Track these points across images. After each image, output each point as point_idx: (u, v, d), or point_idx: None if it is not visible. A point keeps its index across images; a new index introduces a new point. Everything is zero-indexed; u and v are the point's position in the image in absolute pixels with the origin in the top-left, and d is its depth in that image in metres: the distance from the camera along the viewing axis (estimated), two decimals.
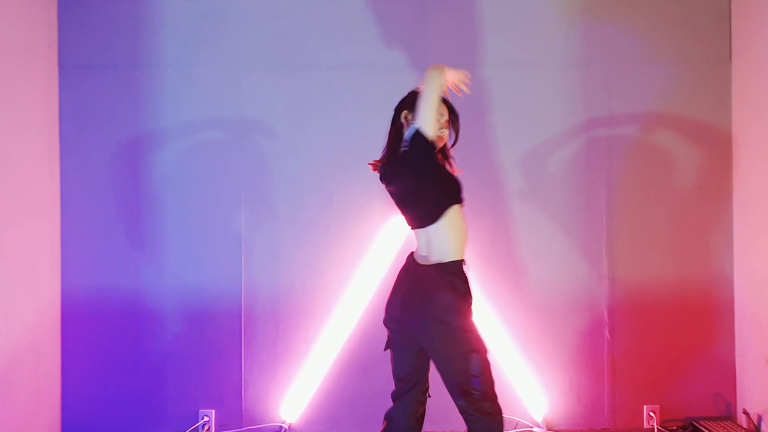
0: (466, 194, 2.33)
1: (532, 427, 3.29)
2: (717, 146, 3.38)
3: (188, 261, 3.33)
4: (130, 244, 3.32)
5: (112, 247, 3.31)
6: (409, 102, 2.32)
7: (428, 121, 2.12)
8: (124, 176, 3.32)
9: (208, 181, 3.34)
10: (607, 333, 3.35)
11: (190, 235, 3.33)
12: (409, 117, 2.30)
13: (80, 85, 3.32)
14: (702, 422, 3.22)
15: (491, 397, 2.16)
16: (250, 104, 3.35)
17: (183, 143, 3.35)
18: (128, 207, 3.33)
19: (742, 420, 3.21)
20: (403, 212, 2.35)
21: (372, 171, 2.44)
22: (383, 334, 3.27)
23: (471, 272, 2.30)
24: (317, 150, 3.36)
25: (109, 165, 3.32)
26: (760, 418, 3.09)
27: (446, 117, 2.33)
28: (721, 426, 3.16)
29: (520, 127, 3.37)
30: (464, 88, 2.35)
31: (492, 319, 3.29)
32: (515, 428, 3.29)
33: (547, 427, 3.29)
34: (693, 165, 3.37)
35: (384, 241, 3.33)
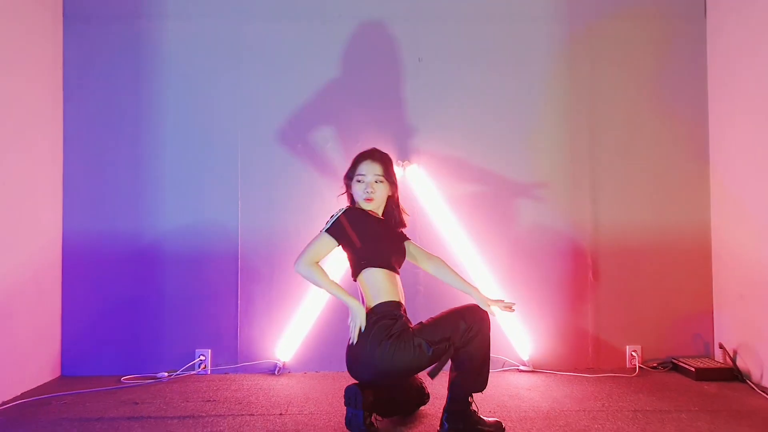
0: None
1: (518, 366, 3.40)
2: (694, 98, 3.54)
3: (186, 205, 3.44)
4: (130, 188, 3.43)
5: (112, 191, 3.42)
6: (348, 169, 2.56)
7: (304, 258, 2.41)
8: (125, 123, 3.44)
9: (206, 131, 3.46)
10: (591, 276, 3.48)
11: (188, 181, 3.44)
12: (346, 180, 2.57)
13: (84, 34, 3.44)
14: (681, 360, 3.34)
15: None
16: (249, 53, 3.48)
17: (183, 92, 3.47)
18: (128, 153, 3.44)
19: (719, 355, 3.34)
20: None
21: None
22: None
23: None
24: (312, 99, 3.49)
25: (111, 111, 3.44)
26: (735, 352, 3.22)
27: (373, 174, 2.49)
28: (699, 362, 3.29)
29: (505, 76, 3.52)
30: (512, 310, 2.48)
31: (480, 264, 3.41)
32: (502, 367, 3.41)
33: (533, 366, 3.40)
34: (672, 116, 3.53)
35: None
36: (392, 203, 2.59)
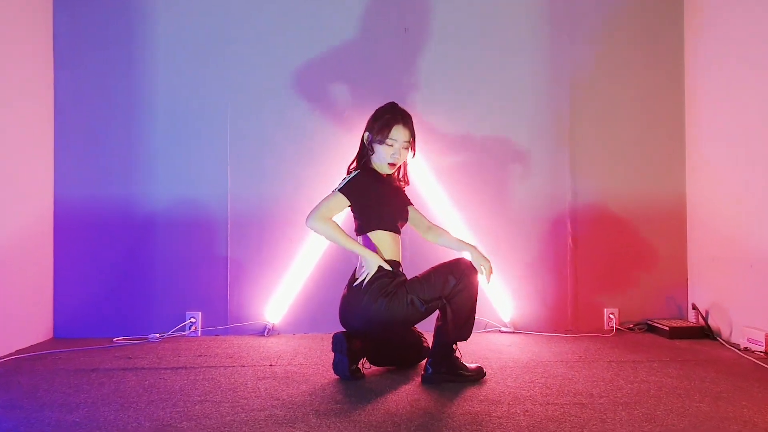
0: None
1: (500, 327, 3.52)
2: (671, 68, 3.67)
3: (178, 171, 3.51)
4: (121, 154, 3.49)
5: (103, 157, 3.48)
6: (370, 124, 2.56)
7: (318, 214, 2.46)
8: (117, 90, 3.50)
9: (197, 97, 3.53)
10: (570, 242, 3.61)
11: (179, 147, 3.51)
12: (365, 137, 2.57)
13: (74, 2, 3.49)
14: (656, 321, 3.48)
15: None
16: (236, 17, 3.55)
17: (174, 59, 3.53)
18: (120, 119, 3.50)
19: (692, 316, 3.48)
20: None
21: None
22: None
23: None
24: (301, 64, 3.57)
25: (102, 79, 3.49)
26: (707, 312, 3.37)
27: (403, 140, 2.48)
28: (673, 322, 3.43)
29: (490, 49, 3.62)
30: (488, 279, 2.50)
31: (465, 231, 3.52)
32: (485, 328, 3.52)
33: (514, 328, 3.53)
34: (648, 85, 3.66)
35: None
36: (404, 164, 2.66)
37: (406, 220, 2.64)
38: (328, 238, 2.48)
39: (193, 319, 3.46)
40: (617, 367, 2.65)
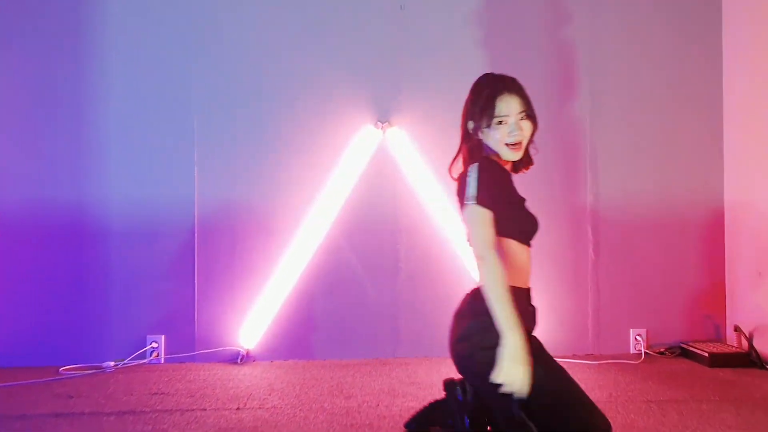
0: None
1: None
2: (706, 53, 3.20)
3: (136, 171, 3.03)
4: (70, 150, 3.01)
5: (49, 154, 3.00)
6: (468, 109, 1.78)
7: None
8: (65, 78, 3.01)
9: (158, 87, 3.05)
10: (591, 252, 3.14)
11: (138, 145, 3.04)
12: (469, 127, 1.78)
13: None
14: (691, 344, 3.02)
15: None
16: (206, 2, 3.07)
17: (131, 42, 3.04)
18: (68, 110, 3.01)
19: (733, 339, 3.02)
20: None
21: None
22: (350, 254, 3.06)
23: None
24: (278, 52, 3.09)
25: (48, 62, 3.01)
26: (752, 335, 2.90)
27: (516, 111, 1.70)
28: (712, 346, 2.97)
29: (499, 33, 3.15)
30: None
31: (468, 241, 3.04)
32: None
33: None
34: (681, 74, 3.19)
35: (354, 152, 3.06)
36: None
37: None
38: (492, 288, 1.55)
39: (154, 344, 2.98)
40: (659, 411, 2.19)
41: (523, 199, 1.77)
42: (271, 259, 3.03)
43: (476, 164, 1.67)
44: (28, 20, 2.99)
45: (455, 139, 3.18)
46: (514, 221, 1.71)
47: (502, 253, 1.66)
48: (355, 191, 3.05)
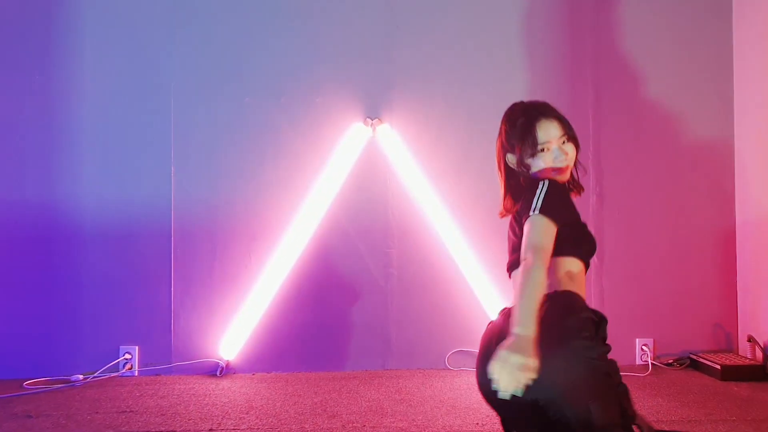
0: None
1: None
2: (715, 43, 3.03)
3: (108, 170, 2.86)
4: (38, 148, 2.82)
5: (15, 152, 2.81)
6: (505, 143, 1.70)
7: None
8: (32, 66, 2.83)
9: (132, 77, 2.87)
10: (595, 257, 2.94)
11: (111, 140, 2.86)
12: (509, 161, 1.70)
13: None
14: (701, 355, 2.84)
15: None
16: None
17: (104, 33, 2.86)
18: (35, 105, 2.82)
19: (746, 349, 2.83)
20: None
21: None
22: (338, 259, 2.87)
23: None
24: (264, 43, 2.90)
25: (14, 52, 2.82)
26: (767, 346, 2.72)
27: (557, 136, 1.64)
28: (724, 357, 2.78)
29: (498, 27, 2.97)
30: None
31: (461, 244, 2.87)
32: None
33: None
34: (689, 69, 3.02)
35: (343, 151, 2.88)
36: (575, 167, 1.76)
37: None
38: (529, 286, 1.42)
39: (128, 355, 2.79)
40: None
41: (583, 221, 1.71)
42: (253, 265, 2.85)
43: (545, 181, 1.59)
44: None
45: (448, 136, 3.01)
46: (578, 240, 1.66)
47: (568, 273, 1.60)
48: (344, 192, 2.87)
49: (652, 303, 2.96)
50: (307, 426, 2.10)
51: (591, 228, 2.86)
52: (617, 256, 2.97)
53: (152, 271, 2.84)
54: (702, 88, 3.02)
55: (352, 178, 2.89)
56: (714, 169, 3.01)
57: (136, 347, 2.81)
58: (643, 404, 2.30)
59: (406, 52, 2.94)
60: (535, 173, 1.65)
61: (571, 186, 1.75)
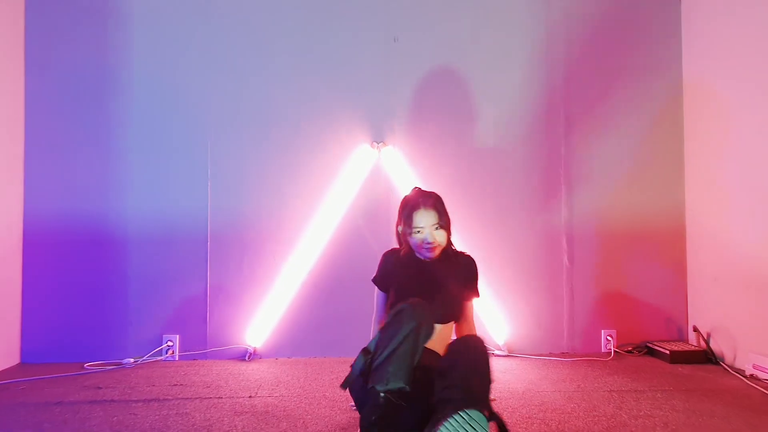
0: None
1: (493, 351, 3.36)
2: (669, 76, 3.54)
3: (154, 185, 3.33)
4: (94, 167, 3.30)
5: (75, 170, 3.29)
6: (398, 217, 2.30)
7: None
8: (91, 97, 3.31)
9: (176, 106, 3.36)
10: (566, 260, 3.46)
11: (156, 160, 3.33)
12: (399, 231, 2.31)
13: (45, 2, 3.30)
14: (656, 343, 3.34)
15: None
16: (220, 22, 3.38)
17: (151, 66, 3.35)
18: (94, 129, 3.31)
19: (693, 339, 3.34)
20: None
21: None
22: (349, 261, 3.36)
23: None
24: (284, 78, 3.40)
25: (75, 86, 3.31)
26: (709, 335, 3.23)
27: (430, 224, 2.21)
28: (674, 345, 3.29)
29: (486, 62, 3.48)
30: None
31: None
32: None
33: (508, 350, 3.37)
34: (646, 96, 3.53)
35: (351, 169, 3.38)
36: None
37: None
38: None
39: (170, 343, 3.27)
40: (618, 399, 2.50)
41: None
42: (276, 266, 3.33)
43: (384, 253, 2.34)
44: (62, 46, 3.30)
45: (442, 156, 3.52)
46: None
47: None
48: (353, 204, 3.36)
49: (616, 299, 3.46)
50: (327, 394, 2.60)
51: (562, 237, 3.40)
52: (586, 260, 3.46)
53: (190, 270, 3.32)
54: (657, 109, 3.53)
55: (360, 192, 3.38)
56: (667, 188, 3.51)
57: (177, 336, 3.29)
58: (601, 380, 2.80)
59: (405, 87, 3.44)
60: (411, 245, 2.24)
61: (443, 257, 2.27)
